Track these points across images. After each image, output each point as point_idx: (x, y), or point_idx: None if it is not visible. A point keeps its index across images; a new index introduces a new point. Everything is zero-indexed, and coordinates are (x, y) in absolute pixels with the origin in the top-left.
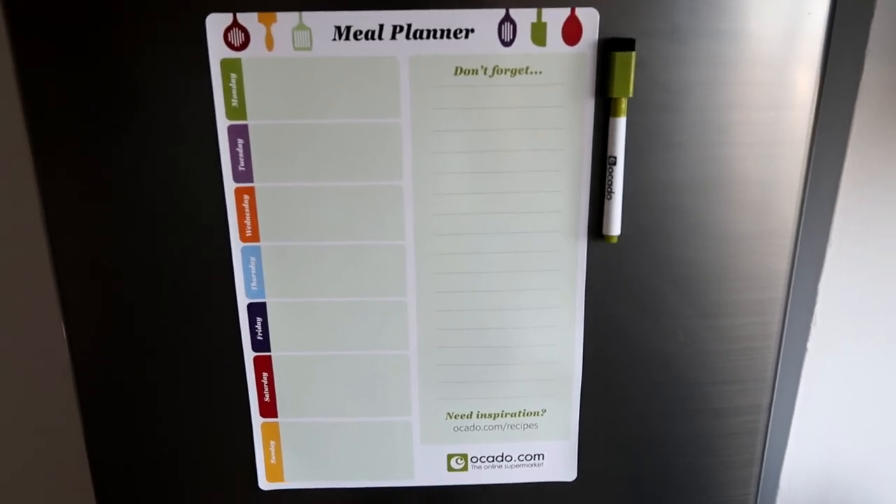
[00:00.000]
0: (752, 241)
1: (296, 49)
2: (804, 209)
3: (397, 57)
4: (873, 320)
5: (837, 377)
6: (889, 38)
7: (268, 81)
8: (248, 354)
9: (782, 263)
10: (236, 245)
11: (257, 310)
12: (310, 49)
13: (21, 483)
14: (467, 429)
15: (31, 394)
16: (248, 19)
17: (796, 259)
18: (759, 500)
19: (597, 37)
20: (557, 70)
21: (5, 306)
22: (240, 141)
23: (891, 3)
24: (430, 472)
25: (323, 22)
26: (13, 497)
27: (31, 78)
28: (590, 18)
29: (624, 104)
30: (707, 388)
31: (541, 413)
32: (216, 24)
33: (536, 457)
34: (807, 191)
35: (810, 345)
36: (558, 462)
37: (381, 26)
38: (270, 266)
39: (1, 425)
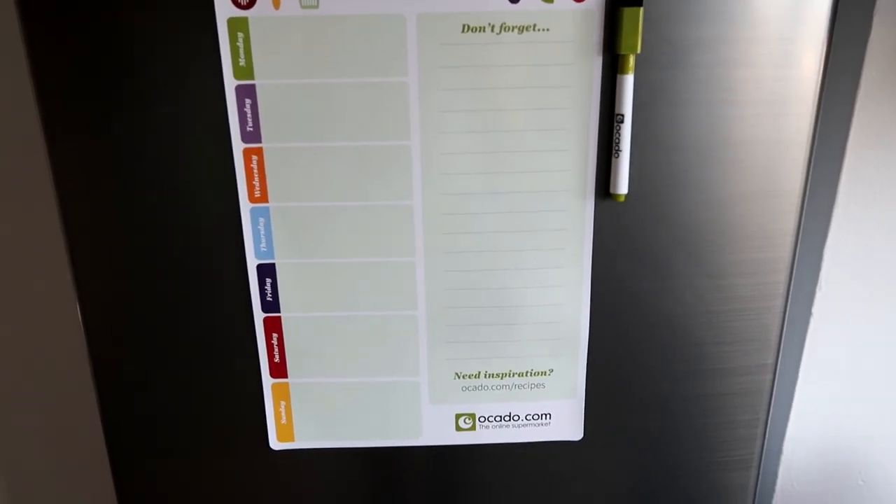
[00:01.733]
0: (759, 200)
1: (303, 7)
2: (811, 169)
3: (404, 14)
4: (879, 284)
5: (842, 341)
6: None
7: (275, 40)
8: (258, 315)
9: (789, 223)
10: (245, 206)
11: (267, 271)
12: (317, 7)
13: (34, 443)
14: (475, 388)
15: (43, 353)
16: None
17: (803, 219)
18: (762, 460)
19: None
20: (565, 27)
21: (19, 274)
22: (247, 101)
23: None
24: (439, 432)
25: None
26: (28, 459)
27: (37, 40)
28: None
29: (632, 61)
30: (713, 348)
31: (548, 373)
32: None
33: (544, 416)
34: (814, 150)
35: (815, 309)
36: (565, 421)
37: None
38: (279, 227)
39: (16, 384)
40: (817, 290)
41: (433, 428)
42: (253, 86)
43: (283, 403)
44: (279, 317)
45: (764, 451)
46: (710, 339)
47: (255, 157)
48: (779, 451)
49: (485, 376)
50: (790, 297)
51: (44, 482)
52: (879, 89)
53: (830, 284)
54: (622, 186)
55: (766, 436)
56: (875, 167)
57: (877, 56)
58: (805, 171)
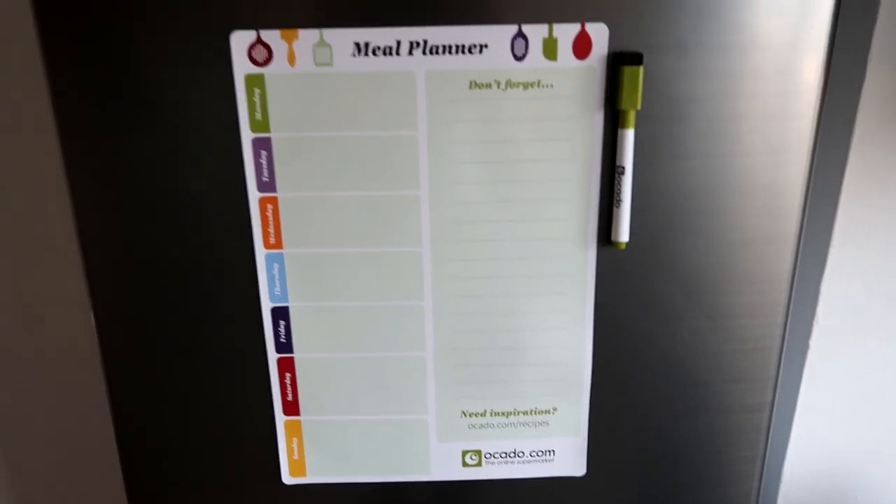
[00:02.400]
0: (756, 245)
1: (317, 65)
2: (806, 213)
3: (414, 72)
4: (874, 320)
5: (838, 376)
6: (891, 43)
7: (290, 96)
8: (272, 356)
9: (785, 266)
10: (260, 252)
11: (280, 313)
12: (330, 65)
13: (52, 481)
14: (481, 426)
15: (62, 394)
16: (271, 36)
17: (798, 261)
18: (761, 494)
19: (606, 51)
20: (568, 83)
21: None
22: (263, 153)
23: (893, 10)
24: (446, 468)
25: (343, 39)
26: (45, 493)
27: (62, 94)
28: (599, 33)
29: (632, 116)
30: (712, 387)
31: (552, 411)
32: (240, 41)
33: (547, 453)
34: (809, 196)
35: (812, 343)
36: (568, 458)
37: (399, 42)
38: (293, 272)
39: (34, 426)
40: (814, 324)
41: (441, 464)
42: (269, 138)
43: (295, 440)
44: (292, 357)
45: (762, 486)
46: (710, 379)
47: (270, 206)
48: (777, 486)
49: (491, 414)
50: (787, 334)
51: None
52: (873, 135)
53: (827, 318)
54: (623, 235)
55: (765, 471)
56: (869, 209)
57: (871, 103)
58: (800, 216)
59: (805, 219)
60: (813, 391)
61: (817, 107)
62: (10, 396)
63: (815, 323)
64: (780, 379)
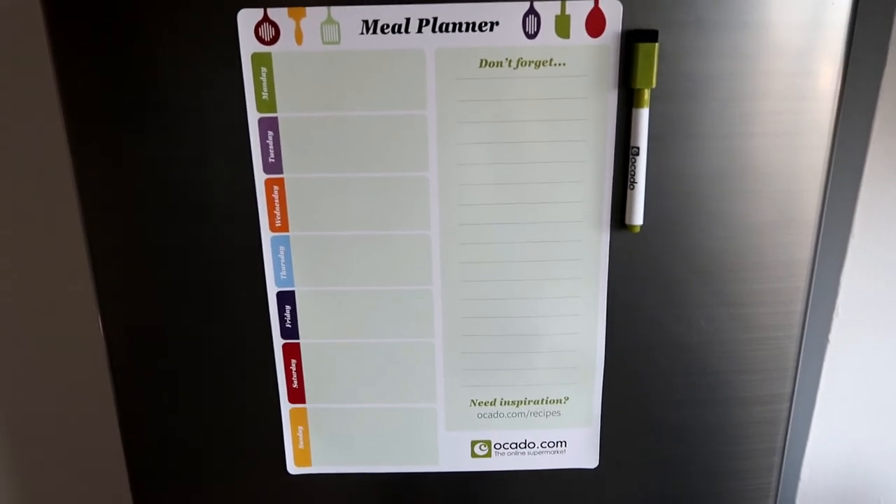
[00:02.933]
0: (775, 230)
1: (324, 43)
2: (826, 199)
3: (423, 50)
4: (895, 312)
5: (859, 368)
6: None
7: (297, 75)
8: (278, 342)
9: (805, 253)
10: (266, 235)
11: (286, 298)
12: (338, 43)
13: (57, 470)
14: (491, 416)
15: (66, 382)
16: (279, 14)
17: (818, 249)
18: (780, 488)
19: (620, 28)
20: (581, 62)
21: (47, 302)
22: (270, 133)
23: None
24: (455, 459)
25: (351, 16)
26: (50, 483)
27: (67, 74)
28: (613, 10)
29: (647, 95)
30: (729, 377)
31: (563, 401)
32: (247, 19)
33: (559, 444)
34: (829, 181)
35: (832, 336)
36: (580, 449)
37: (408, 20)
38: (299, 255)
39: (39, 415)
40: (834, 316)
41: (449, 454)
42: (275, 118)
43: (300, 428)
44: (298, 343)
45: (781, 479)
46: (727, 368)
47: (276, 188)
48: (796, 480)
49: (501, 403)
50: (806, 324)
51: None
52: (895, 120)
53: (847, 311)
54: (638, 217)
55: (784, 464)
56: (891, 196)
57: (892, 88)
58: (821, 201)
59: (825, 204)
60: (833, 385)
61: (838, 88)
62: (12, 379)
63: (834, 315)
64: (799, 370)
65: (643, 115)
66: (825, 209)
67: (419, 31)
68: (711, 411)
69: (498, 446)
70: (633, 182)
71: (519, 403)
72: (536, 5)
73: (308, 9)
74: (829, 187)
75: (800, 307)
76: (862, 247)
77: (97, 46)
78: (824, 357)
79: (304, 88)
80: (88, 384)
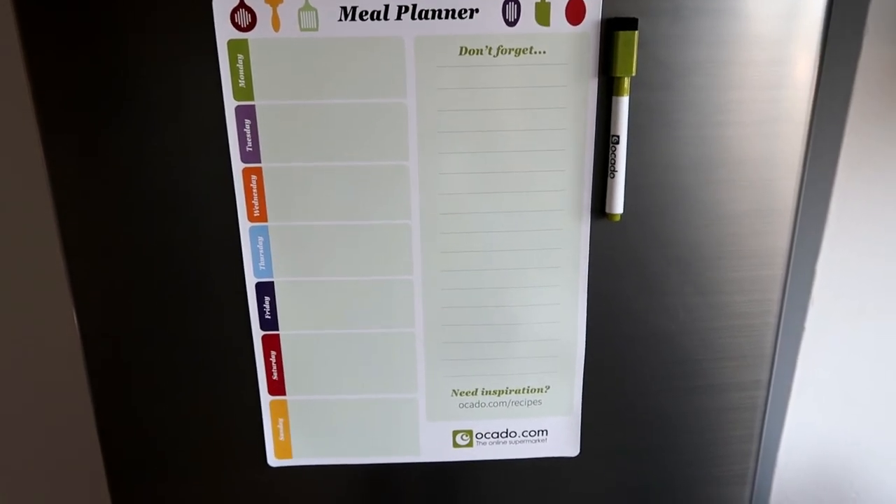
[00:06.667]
0: (752, 219)
1: (302, 30)
2: (803, 187)
3: (402, 37)
4: (870, 299)
5: (834, 355)
6: (887, 16)
7: (274, 62)
8: (257, 333)
9: (782, 241)
10: (244, 225)
11: (265, 289)
12: (316, 29)
13: (33, 463)
14: (472, 405)
15: (40, 374)
16: (255, 0)
17: (796, 237)
18: (757, 474)
19: (600, 16)
20: (561, 50)
21: (17, 291)
22: (247, 121)
23: None
24: (436, 449)
25: (329, 3)
26: (27, 477)
27: (38, 59)
28: None
29: (627, 83)
30: (707, 365)
31: (544, 390)
32: (223, 5)
33: (540, 433)
34: (806, 169)
35: (808, 324)
36: (561, 438)
37: (387, 7)
38: (278, 245)
39: (14, 404)
40: (810, 304)
41: (431, 444)
42: (252, 107)
43: (280, 420)
44: (277, 335)
45: (759, 465)
46: (705, 356)
47: (254, 177)
48: (773, 466)
49: (482, 393)
50: (783, 312)
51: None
52: (869, 109)
53: (823, 299)
54: (618, 206)
55: (761, 451)
56: (865, 184)
57: (867, 76)
58: (797, 189)
59: (802, 192)
60: (808, 372)
61: (814, 76)
62: None
63: (810, 303)
64: (776, 357)
65: (623, 104)
66: (802, 197)
67: (398, 18)
68: (690, 399)
69: (479, 436)
70: (614, 171)
71: (500, 393)
72: None
73: None
74: (805, 175)
75: (777, 295)
76: (838, 234)
77: (69, 35)
78: (800, 344)
79: (281, 76)
80: (65, 379)
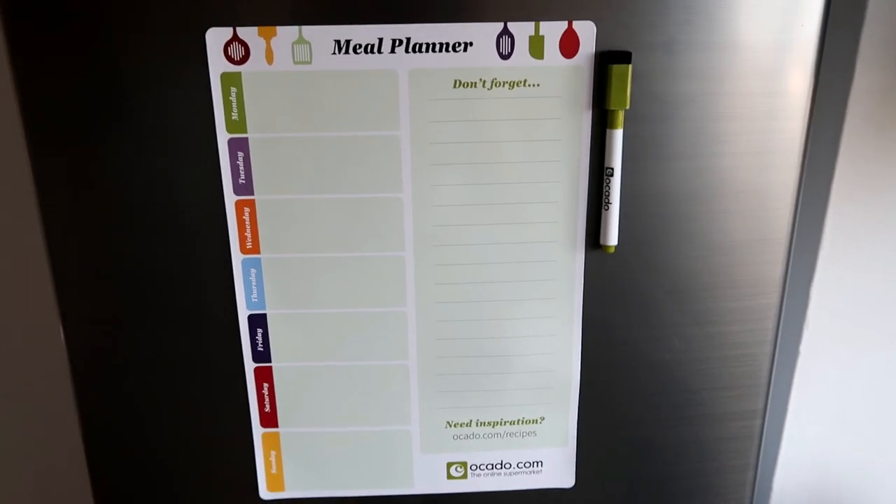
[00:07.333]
0: (747, 249)
1: (296, 63)
2: (798, 216)
3: (396, 70)
4: (864, 323)
5: (829, 380)
6: (879, 46)
7: (268, 95)
8: (249, 365)
9: (776, 270)
10: (237, 257)
11: (258, 321)
12: (309, 63)
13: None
14: (467, 437)
15: (30, 405)
16: (249, 33)
17: (790, 266)
18: (753, 502)
19: (594, 50)
20: (555, 82)
21: (7, 321)
22: (240, 154)
23: (880, 13)
24: (430, 481)
25: (322, 36)
26: None
27: (31, 91)
28: (587, 32)
29: (621, 116)
30: (703, 394)
31: (539, 421)
32: (216, 38)
33: (535, 464)
34: (800, 198)
35: (802, 348)
36: (557, 469)
37: (381, 40)
38: (271, 278)
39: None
40: (804, 327)
41: (425, 477)
42: (245, 139)
43: (273, 453)
44: (270, 367)
45: (755, 495)
46: (700, 386)
47: (247, 209)
48: (768, 492)
49: (476, 425)
50: (779, 341)
51: None
52: (861, 138)
53: (818, 321)
54: (612, 238)
55: (757, 480)
56: (859, 210)
57: (859, 102)
58: (791, 218)
59: (797, 220)
60: (803, 397)
61: (807, 107)
62: None
63: (805, 327)
64: (771, 384)
65: (617, 136)
66: (796, 225)
67: (392, 51)
68: (686, 429)
69: (474, 467)
70: (608, 203)
71: (495, 424)
72: (510, 26)
73: (279, 28)
74: (799, 204)
75: (772, 324)
76: (831, 260)
77: (62, 65)
78: (795, 369)
79: (274, 109)
80: (55, 413)
